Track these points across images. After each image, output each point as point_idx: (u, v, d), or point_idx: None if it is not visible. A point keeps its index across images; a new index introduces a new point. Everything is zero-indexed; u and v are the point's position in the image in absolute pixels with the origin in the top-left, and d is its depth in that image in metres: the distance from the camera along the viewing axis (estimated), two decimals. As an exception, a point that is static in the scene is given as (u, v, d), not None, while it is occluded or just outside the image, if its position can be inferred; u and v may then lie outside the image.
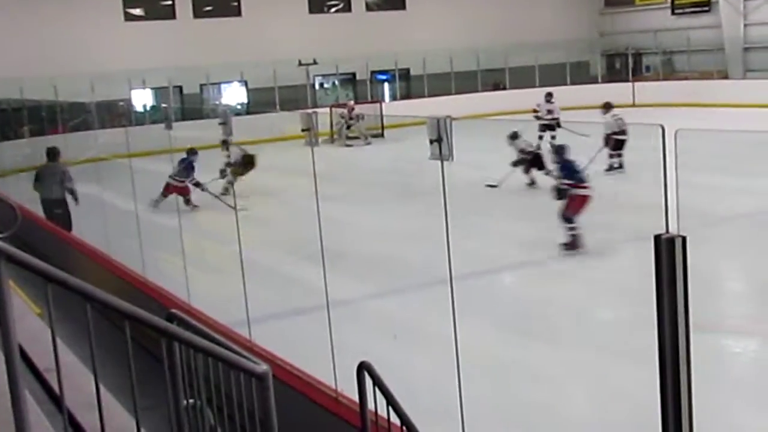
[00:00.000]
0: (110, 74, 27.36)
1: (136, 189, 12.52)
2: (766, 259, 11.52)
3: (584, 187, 12.68)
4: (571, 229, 12.56)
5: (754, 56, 35.27)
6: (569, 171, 12.85)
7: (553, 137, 21.92)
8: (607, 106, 19.96)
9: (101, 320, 3.63)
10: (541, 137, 21.88)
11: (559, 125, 22.47)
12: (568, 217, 12.62)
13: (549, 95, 24.45)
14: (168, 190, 18.35)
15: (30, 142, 25.70)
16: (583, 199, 12.64)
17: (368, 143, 28.60)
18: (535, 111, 23.99)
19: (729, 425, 6.98)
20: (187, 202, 18.36)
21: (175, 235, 11.32)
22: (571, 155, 13.20)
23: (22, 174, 21.99)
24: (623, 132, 19.20)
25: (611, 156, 19.43)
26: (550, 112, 23.55)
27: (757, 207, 14.26)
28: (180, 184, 18.41)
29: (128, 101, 29.81)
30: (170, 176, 18.30)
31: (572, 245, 12.47)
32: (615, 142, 19.29)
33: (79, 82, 24.01)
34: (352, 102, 31.20)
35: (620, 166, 19.40)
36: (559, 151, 13.50)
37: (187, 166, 18.51)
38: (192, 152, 18.88)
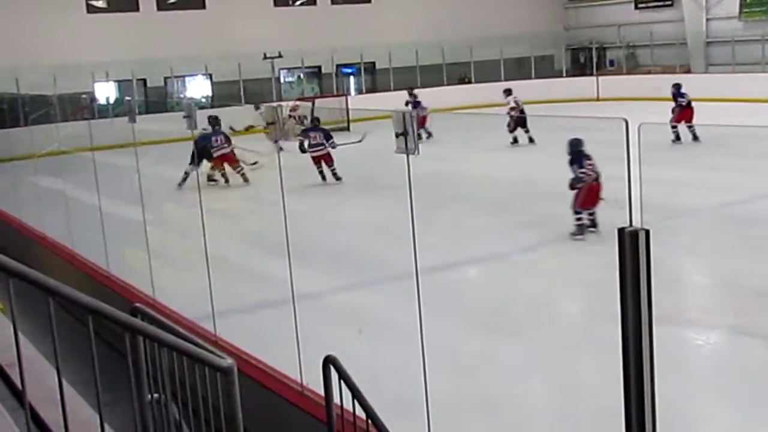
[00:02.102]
0: (73, 67, 27.07)
1: (99, 182, 12.43)
2: (728, 252, 11.64)
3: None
4: None
5: (716, 50, 35.59)
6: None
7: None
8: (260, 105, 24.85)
9: (64, 315, 3.60)
10: None
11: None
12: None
13: (411, 89, 29.33)
14: (224, 159, 19.71)
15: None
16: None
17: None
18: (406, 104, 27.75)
19: (691, 416, 7.05)
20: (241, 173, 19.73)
21: (139, 229, 11.26)
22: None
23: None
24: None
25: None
26: (408, 104, 27.85)
27: (719, 200, 14.41)
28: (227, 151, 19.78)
29: (91, 94, 29.49)
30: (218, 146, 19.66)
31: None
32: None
33: (42, 75, 23.73)
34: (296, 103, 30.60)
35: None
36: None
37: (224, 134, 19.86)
38: (215, 120, 20.01)
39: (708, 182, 15.82)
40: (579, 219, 12.70)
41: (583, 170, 12.65)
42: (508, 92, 25.13)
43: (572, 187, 12.75)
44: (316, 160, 19.19)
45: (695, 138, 21.71)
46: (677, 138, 21.73)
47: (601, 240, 11.85)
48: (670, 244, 10.80)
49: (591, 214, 12.73)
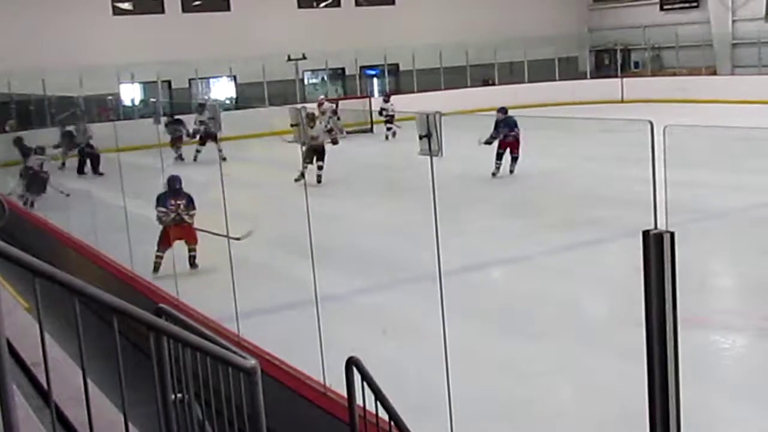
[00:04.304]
0: (99, 68, 27.24)
1: (124, 183, 12.50)
2: (755, 254, 11.55)
3: None
4: None
5: (742, 52, 35.31)
6: None
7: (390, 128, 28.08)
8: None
9: (89, 315, 3.62)
10: (389, 128, 27.83)
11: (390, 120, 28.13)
12: None
13: (387, 95, 30.43)
14: None
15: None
16: None
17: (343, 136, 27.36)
18: (381, 111, 28.40)
19: (717, 420, 7.00)
20: None
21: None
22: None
23: (10, 168, 21.88)
24: None
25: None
26: (384, 110, 28.36)
27: (746, 202, 14.30)
28: None
29: (117, 95, 29.72)
30: None
31: None
32: None
33: (68, 76, 23.92)
34: (322, 97, 30.53)
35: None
36: None
37: None
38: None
39: (735, 184, 15.69)
40: (158, 257, 12.19)
41: (163, 209, 12.18)
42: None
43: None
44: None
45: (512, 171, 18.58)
46: (497, 169, 18.61)
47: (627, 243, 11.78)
48: (697, 247, 10.73)
49: (191, 250, 12.46)
